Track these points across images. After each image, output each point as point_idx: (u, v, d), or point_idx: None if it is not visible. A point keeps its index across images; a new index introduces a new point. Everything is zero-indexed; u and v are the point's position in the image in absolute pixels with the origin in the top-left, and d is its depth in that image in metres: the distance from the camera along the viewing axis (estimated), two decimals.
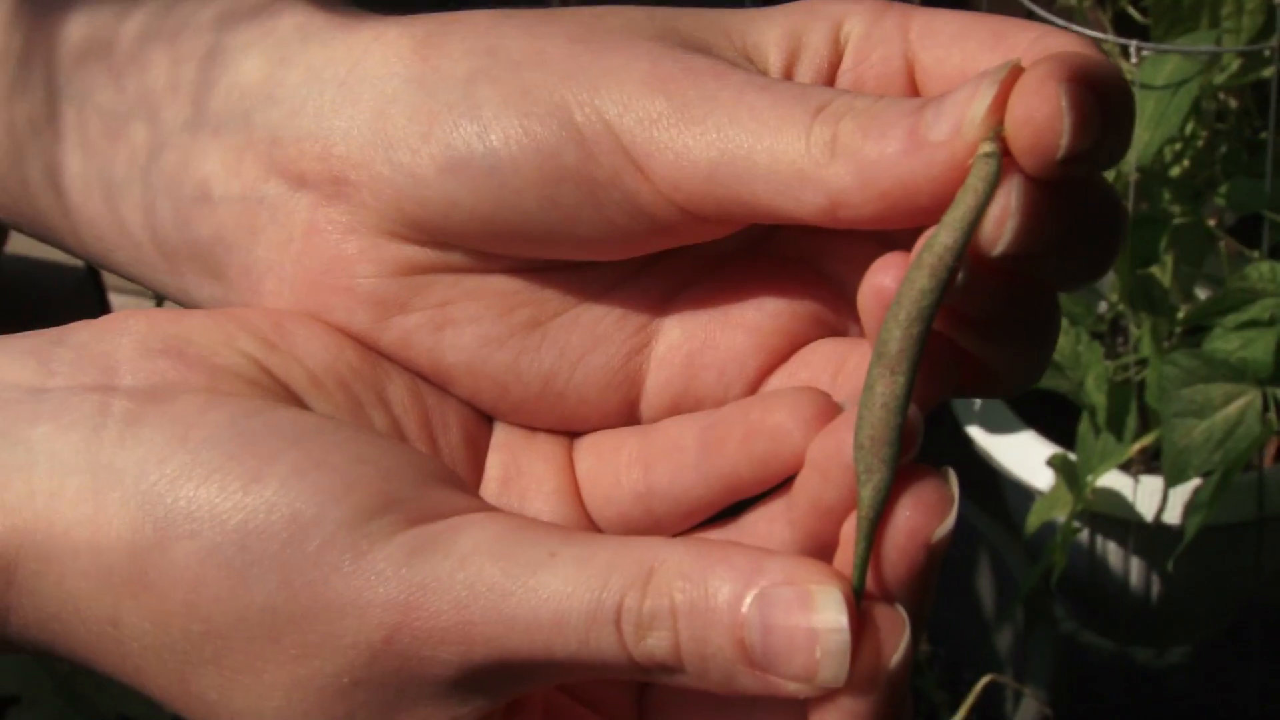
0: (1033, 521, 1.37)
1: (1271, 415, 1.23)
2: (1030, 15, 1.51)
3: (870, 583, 0.40)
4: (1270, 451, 1.39)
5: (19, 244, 1.68)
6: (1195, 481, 1.28)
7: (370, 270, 0.45)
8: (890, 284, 0.40)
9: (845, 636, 0.38)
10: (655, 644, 0.39)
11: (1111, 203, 0.41)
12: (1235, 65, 1.35)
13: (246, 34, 0.46)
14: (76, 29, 0.47)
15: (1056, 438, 1.43)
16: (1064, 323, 1.33)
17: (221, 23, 0.46)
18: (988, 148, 0.39)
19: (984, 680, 1.28)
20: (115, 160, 0.47)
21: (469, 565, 0.39)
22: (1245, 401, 1.23)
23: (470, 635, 0.38)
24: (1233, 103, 1.39)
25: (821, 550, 0.41)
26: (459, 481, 0.43)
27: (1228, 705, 1.67)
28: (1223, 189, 1.35)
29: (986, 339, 0.42)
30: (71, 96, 0.47)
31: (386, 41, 0.45)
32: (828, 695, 0.39)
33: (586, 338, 0.46)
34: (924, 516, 0.39)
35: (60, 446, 0.40)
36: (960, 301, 0.41)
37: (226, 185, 0.46)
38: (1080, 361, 1.32)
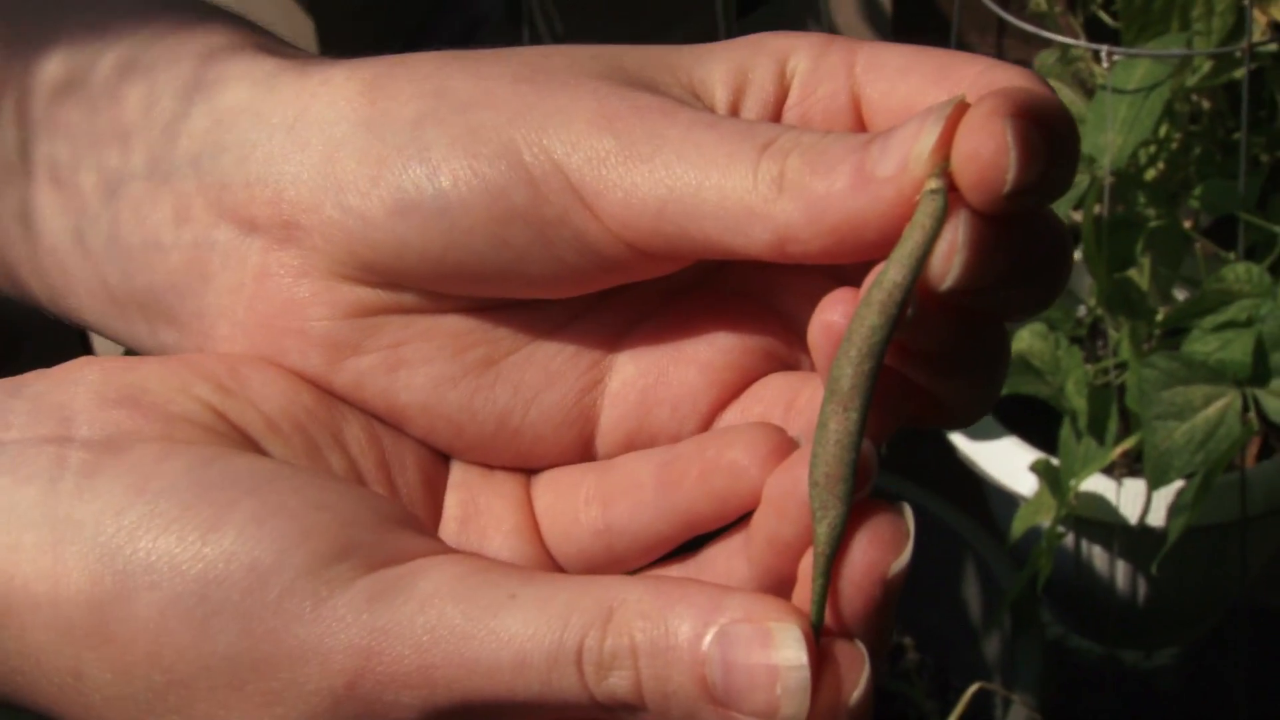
0: (1017, 527, 1.37)
1: (1252, 415, 1.23)
2: (1001, 22, 1.52)
3: (829, 618, 0.40)
4: (1251, 452, 1.40)
5: None
6: (1178, 483, 1.28)
7: (323, 313, 0.45)
8: (839, 320, 0.40)
9: (805, 673, 0.38)
10: (617, 683, 0.39)
11: (1057, 234, 0.41)
12: (1206, 67, 1.35)
13: (194, 83, 0.46)
14: (44, 69, 0.47)
15: (1039, 443, 1.43)
16: (1043, 328, 1.34)
17: (168, 72, 0.46)
18: (934, 184, 0.39)
19: (973, 688, 1.29)
20: (69, 208, 0.47)
21: (429, 609, 0.39)
22: (1225, 403, 1.23)
23: (433, 679, 0.39)
24: (1205, 104, 1.40)
25: (780, 585, 0.42)
26: (418, 524, 0.43)
27: (1217, 706, 1.67)
28: (1197, 191, 1.35)
29: (938, 373, 0.43)
30: (42, 154, 0.47)
31: (334, 85, 0.45)
32: None
33: (540, 375, 0.46)
34: (880, 552, 0.39)
35: (17, 500, 0.40)
36: (910, 337, 0.41)
37: (177, 232, 0.46)
38: (1060, 366, 1.33)
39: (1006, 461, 1.44)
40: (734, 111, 0.45)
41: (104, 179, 0.46)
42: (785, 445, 0.43)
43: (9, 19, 0.48)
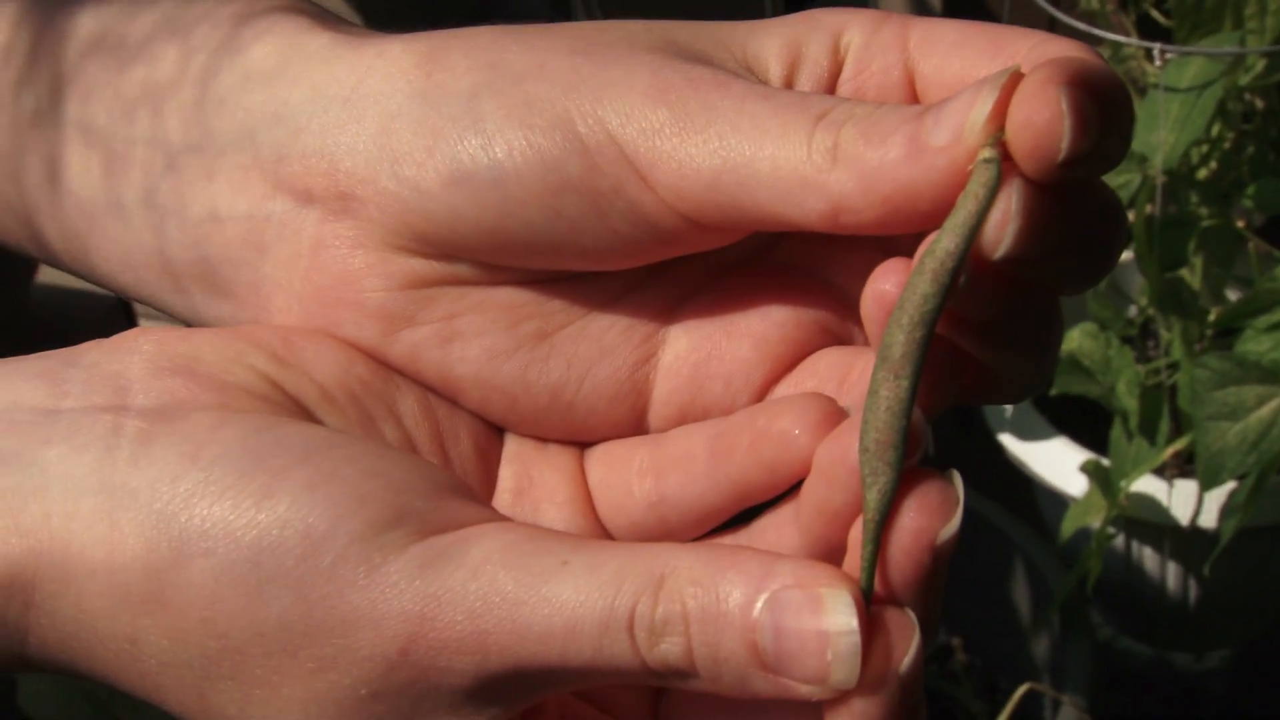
0: (1067, 528, 1.36)
1: None
2: (1052, 20, 1.51)
3: (878, 586, 0.40)
4: None
5: (48, 274, 1.69)
6: (1230, 484, 1.27)
7: (378, 284, 0.45)
8: (892, 289, 0.40)
9: (855, 639, 0.38)
10: (669, 649, 0.39)
11: (1111, 205, 0.41)
12: (1260, 66, 1.34)
13: (251, 52, 0.46)
14: (83, 29, 0.47)
15: (1089, 443, 1.43)
16: (1093, 328, 1.33)
17: (225, 42, 0.46)
18: (988, 153, 0.39)
19: (1022, 689, 1.28)
20: (123, 182, 0.47)
21: (482, 575, 0.39)
22: (1277, 404, 1.22)
23: (485, 645, 0.39)
24: (1259, 103, 1.39)
25: (830, 554, 0.42)
26: (471, 492, 0.43)
27: (1270, 709, 1.66)
28: (1250, 190, 1.34)
29: (990, 343, 0.42)
30: (75, 115, 0.48)
31: (390, 58, 0.45)
32: (841, 697, 0.39)
33: (593, 349, 0.46)
34: (928, 519, 0.39)
35: (74, 468, 0.40)
36: (963, 306, 0.41)
37: (233, 204, 0.46)
38: (1111, 366, 1.32)
39: (1056, 462, 1.44)
40: (788, 85, 0.44)
41: (158, 150, 0.46)
42: (835, 414, 0.43)
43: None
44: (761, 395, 0.46)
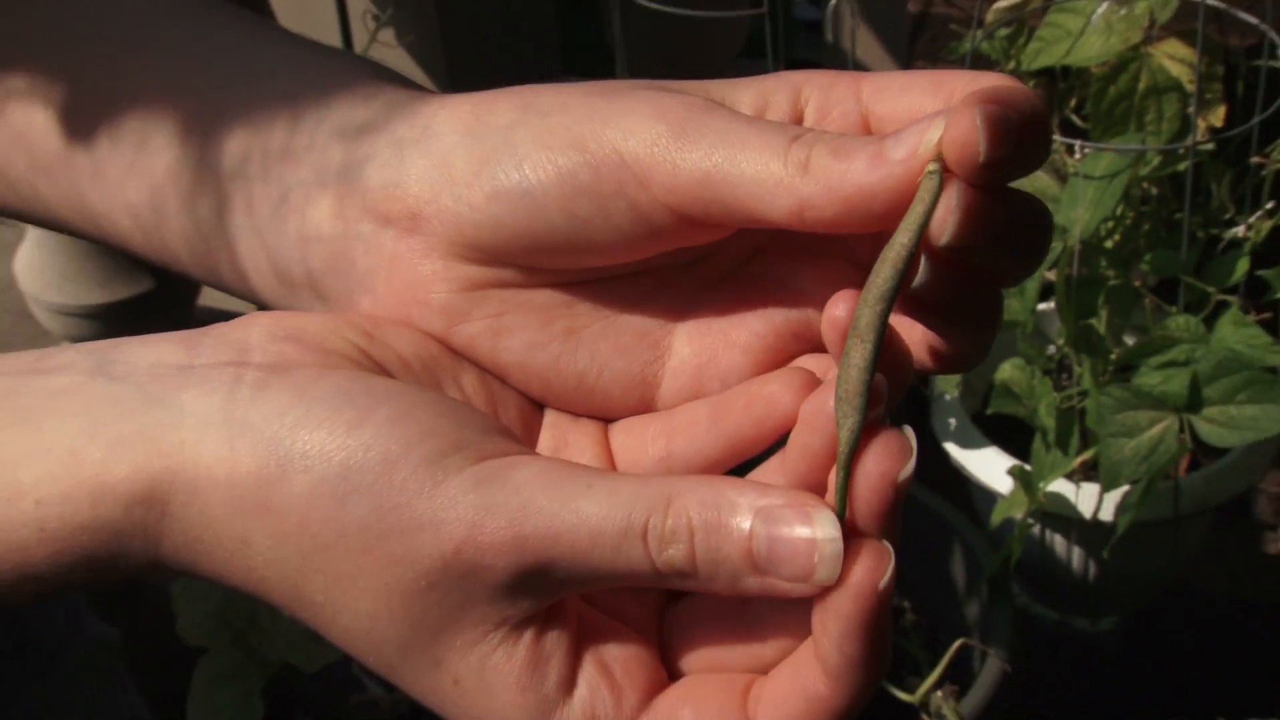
0: (995, 518, 1.35)
1: (1185, 436, 1.21)
2: None
3: (854, 519, 0.39)
4: (1183, 464, 1.38)
5: (210, 297, 1.67)
6: (1125, 488, 1.26)
7: (442, 288, 0.45)
8: (842, 314, 0.39)
9: (839, 545, 0.38)
10: (675, 554, 0.38)
11: (1036, 209, 0.40)
12: (1156, 161, 1.34)
13: (347, 111, 0.46)
14: (235, 140, 0.48)
15: (1015, 452, 1.42)
16: (1021, 362, 1.33)
17: (329, 105, 0.47)
18: (932, 167, 0.39)
19: (957, 643, 1.27)
20: (254, 214, 0.47)
21: (522, 492, 0.38)
22: (1165, 425, 1.21)
23: (522, 548, 0.38)
24: (1154, 190, 1.38)
25: (809, 491, 0.40)
26: (514, 435, 0.43)
27: (1147, 664, 1.65)
28: (1147, 258, 1.34)
29: (944, 321, 0.42)
30: (230, 168, 0.48)
31: (449, 108, 0.45)
32: (831, 604, 0.38)
33: (612, 348, 0.46)
34: (890, 461, 0.38)
35: (204, 406, 0.40)
36: (924, 291, 0.40)
37: (333, 226, 0.46)
38: (1034, 392, 1.31)
39: (989, 466, 1.43)
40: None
41: (279, 189, 0.46)
42: (813, 382, 0.43)
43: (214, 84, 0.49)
44: (761, 368, 0.46)
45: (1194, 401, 1.20)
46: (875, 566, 0.38)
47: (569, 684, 0.40)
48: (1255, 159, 1.33)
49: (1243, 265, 1.30)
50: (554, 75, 1.80)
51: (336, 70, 0.48)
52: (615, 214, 0.42)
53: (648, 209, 0.42)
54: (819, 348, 0.45)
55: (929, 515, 1.43)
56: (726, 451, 0.44)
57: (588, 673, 0.41)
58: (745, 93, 0.44)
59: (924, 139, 0.39)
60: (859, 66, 1.68)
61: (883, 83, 0.43)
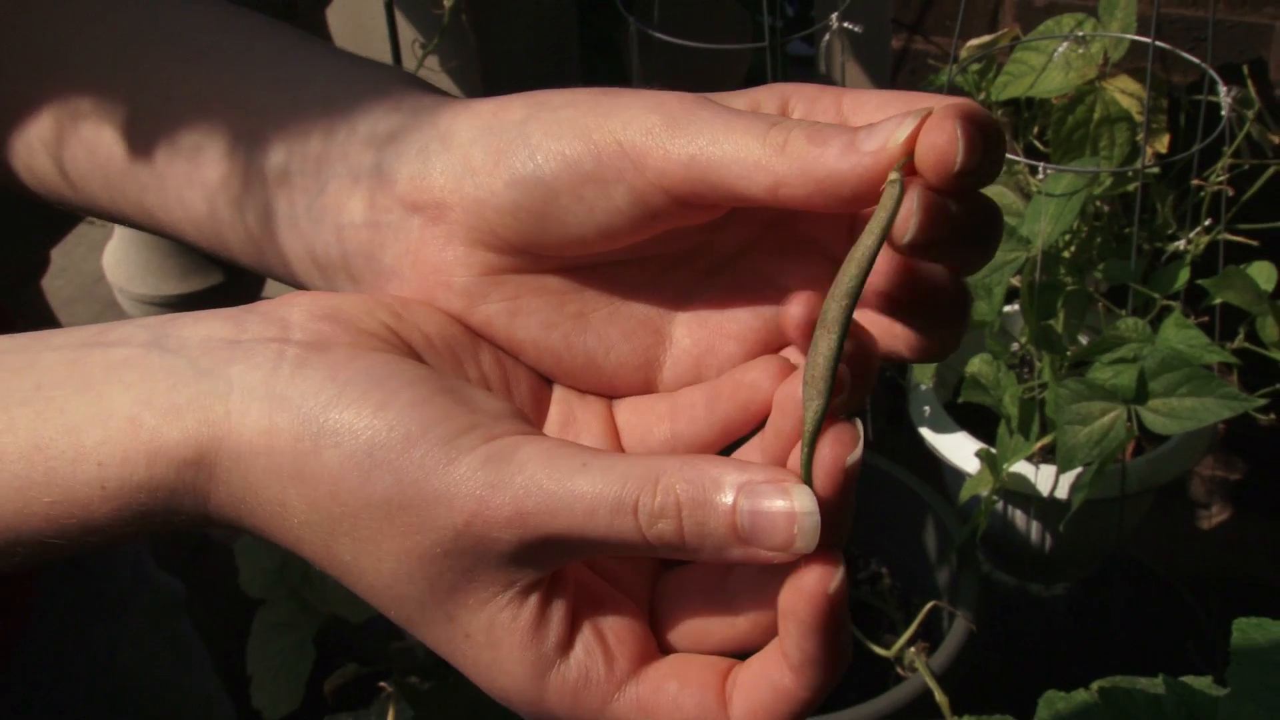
0: (964, 495, 1.36)
1: (1133, 424, 1.21)
2: None
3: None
4: (1130, 449, 1.37)
5: (273, 290, 1.68)
6: (1079, 469, 1.26)
7: (463, 272, 0.44)
8: (800, 311, 0.39)
9: (817, 517, 0.37)
10: (664, 528, 0.38)
11: (988, 208, 0.40)
12: (1109, 181, 1.34)
13: (380, 113, 0.46)
14: (279, 143, 0.47)
15: (982, 436, 1.42)
16: (989, 357, 1.33)
17: (366, 108, 0.46)
18: (894, 176, 0.38)
19: (928, 605, 1.27)
20: (293, 204, 0.47)
21: (525, 471, 0.38)
22: (1115, 415, 1.21)
23: (525, 522, 0.38)
24: (1106, 207, 1.38)
25: (779, 465, 0.40)
26: (524, 416, 0.42)
27: (1094, 623, 1.65)
28: (1100, 267, 1.34)
29: (913, 314, 0.42)
30: (277, 166, 0.48)
31: (472, 109, 0.45)
32: (789, 609, 0.38)
33: (618, 331, 0.45)
34: (841, 448, 0.38)
35: (249, 380, 0.40)
36: (893, 287, 0.40)
37: (365, 214, 0.45)
38: (1000, 384, 1.31)
39: (959, 449, 1.43)
40: None
41: (317, 184, 0.46)
42: (788, 369, 0.43)
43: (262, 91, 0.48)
44: (752, 351, 0.46)
45: (1141, 394, 1.20)
46: (826, 573, 0.38)
47: (566, 645, 0.40)
48: (1195, 181, 1.34)
49: (1184, 275, 1.30)
50: None
51: (369, 77, 0.48)
52: (616, 196, 0.42)
53: (644, 191, 0.42)
54: None
55: (905, 491, 1.43)
56: (720, 434, 0.44)
57: (584, 637, 0.40)
58: (737, 99, 0.44)
59: (894, 135, 0.38)
60: None
61: (862, 98, 0.43)
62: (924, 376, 1.40)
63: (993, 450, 1.33)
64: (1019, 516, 1.44)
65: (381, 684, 1.48)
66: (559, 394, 0.46)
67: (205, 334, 0.41)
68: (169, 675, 0.75)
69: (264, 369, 0.40)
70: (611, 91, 0.43)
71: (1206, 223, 1.34)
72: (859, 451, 0.38)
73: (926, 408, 1.46)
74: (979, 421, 1.43)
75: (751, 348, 0.45)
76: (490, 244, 0.44)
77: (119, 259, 1.52)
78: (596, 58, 2.23)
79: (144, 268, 1.50)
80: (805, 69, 2.10)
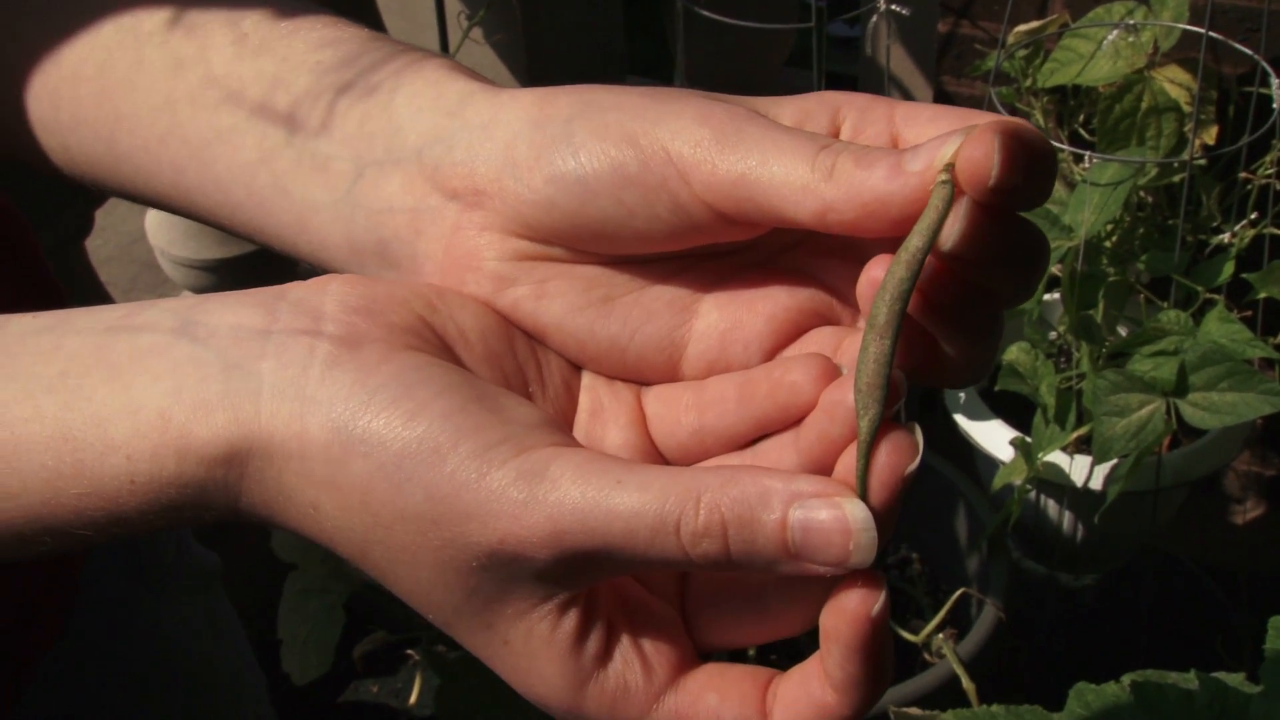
0: (997, 483, 1.35)
1: (1171, 417, 1.20)
2: None
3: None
4: (1166, 442, 1.36)
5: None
6: (1114, 461, 1.25)
7: (494, 256, 0.44)
8: (880, 273, 0.38)
9: (874, 532, 0.36)
10: (709, 548, 0.37)
11: (1035, 236, 0.39)
12: (1154, 172, 1.32)
13: (423, 99, 0.45)
14: (315, 137, 0.47)
15: (1017, 425, 1.41)
16: (1027, 346, 1.32)
17: (406, 93, 0.46)
18: (944, 177, 0.37)
19: (958, 592, 1.27)
20: (329, 188, 0.46)
21: (559, 488, 0.37)
22: (1153, 408, 1.20)
23: (561, 542, 0.37)
24: (1150, 198, 1.36)
25: (820, 471, 0.40)
26: (556, 424, 0.41)
27: (1123, 615, 1.64)
28: (1143, 258, 1.33)
29: (946, 327, 0.40)
30: (308, 148, 0.47)
31: (517, 99, 0.44)
32: (831, 630, 0.38)
33: (644, 313, 0.44)
34: (900, 457, 0.37)
35: (279, 379, 0.39)
36: (930, 291, 0.39)
37: (403, 200, 0.45)
38: (1037, 373, 1.30)
39: (993, 437, 1.42)
40: None
41: (355, 166, 0.45)
42: (832, 371, 0.41)
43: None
44: (770, 357, 0.44)
45: (1180, 387, 1.19)
46: (869, 595, 0.37)
47: (605, 657, 0.39)
48: (1243, 174, 1.32)
49: (1228, 268, 1.29)
50: (620, 77, 1.79)
51: (415, 63, 0.47)
52: (658, 205, 0.41)
53: (688, 203, 0.41)
54: (832, 323, 0.45)
55: (938, 478, 1.43)
56: (754, 430, 0.43)
57: (623, 647, 0.40)
58: (787, 108, 0.43)
59: (939, 154, 0.37)
60: (893, 79, 1.67)
61: (915, 111, 0.42)
62: None
63: (1028, 439, 1.32)
64: (1051, 506, 1.43)
65: (409, 651, 1.49)
66: (588, 381, 0.45)
67: (234, 322, 0.40)
68: (205, 647, 0.76)
69: (295, 367, 0.39)
70: (660, 95, 0.42)
71: (1253, 216, 1.32)
72: (917, 462, 0.38)
73: (962, 394, 1.45)
74: (1015, 410, 1.41)
75: (780, 328, 0.44)
76: (523, 234, 0.43)
77: (162, 221, 1.52)
78: (641, 34, 2.22)
79: (185, 231, 1.50)
80: (850, 50, 2.09)
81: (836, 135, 0.42)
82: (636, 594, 0.41)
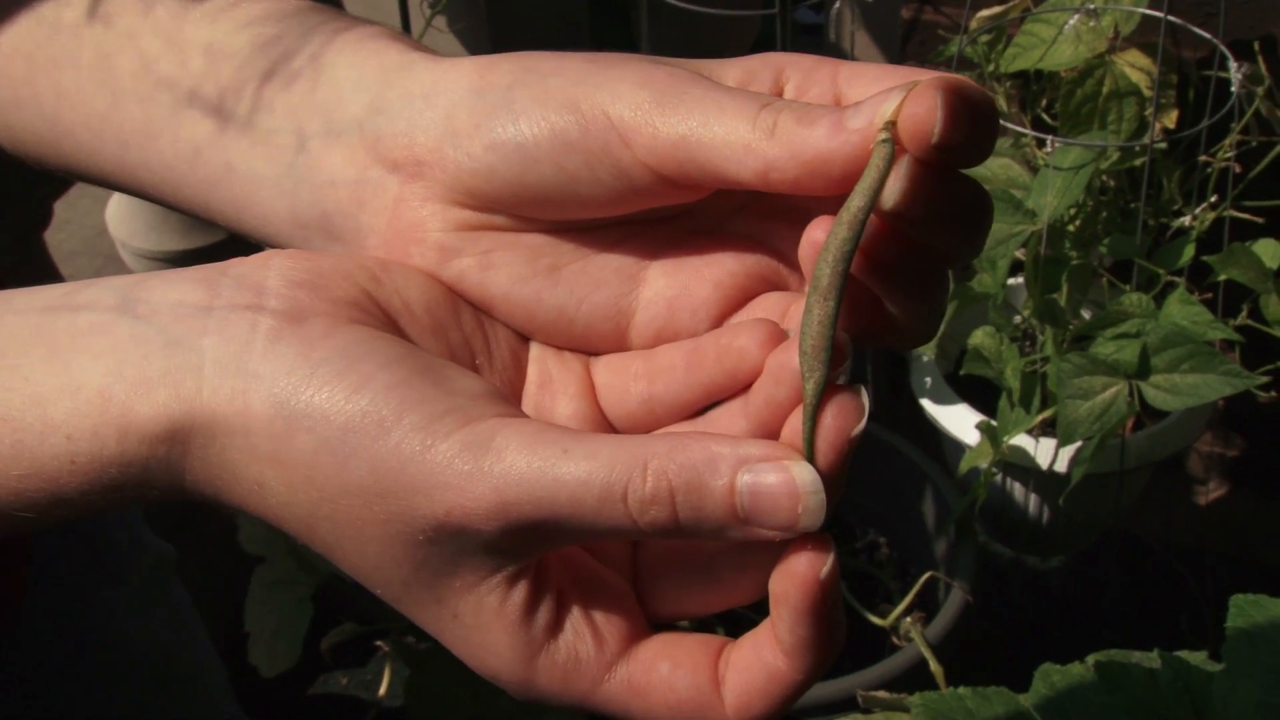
0: (963, 466, 1.35)
1: (1134, 399, 1.20)
2: None
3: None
4: (1129, 424, 1.37)
5: None
6: (1079, 443, 1.26)
7: (438, 226, 0.44)
8: (821, 235, 0.38)
9: (822, 494, 0.36)
10: (657, 514, 0.36)
11: (978, 193, 0.39)
12: (1116, 156, 1.33)
13: (363, 69, 0.45)
14: (257, 109, 0.46)
15: (983, 409, 1.41)
16: (992, 330, 1.32)
17: (347, 66, 0.46)
18: (883, 135, 0.37)
19: (925, 576, 1.27)
20: (271, 162, 0.46)
21: (504, 458, 0.37)
22: (1116, 390, 1.21)
23: (508, 513, 0.37)
24: (1112, 182, 1.37)
25: (769, 435, 0.39)
26: (502, 395, 0.41)
27: (1090, 597, 1.65)
28: (1105, 241, 1.33)
29: (893, 288, 0.40)
30: (245, 120, 0.47)
31: (458, 67, 0.44)
32: (781, 594, 0.38)
33: (590, 282, 0.44)
34: (847, 418, 0.37)
35: (221, 355, 0.38)
36: (874, 251, 0.39)
37: (345, 172, 0.44)
38: (1002, 357, 1.31)
39: (959, 421, 1.43)
40: None
41: (297, 139, 0.45)
42: (779, 335, 0.41)
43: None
44: (719, 323, 0.44)
45: (1143, 369, 1.20)
46: (817, 557, 0.37)
47: (555, 628, 0.39)
48: (1203, 158, 1.33)
49: (1189, 251, 1.29)
50: None
51: (355, 32, 0.47)
52: (600, 170, 0.41)
53: (629, 167, 0.41)
54: (779, 288, 0.44)
55: (904, 462, 1.43)
56: (703, 397, 0.43)
57: (573, 617, 0.40)
58: (731, 69, 0.43)
59: (880, 110, 0.37)
60: None
61: (859, 70, 0.41)
62: (926, 348, 1.40)
63: (993, 423, 1.32)
64: (1017, 489, 1.44)
65: (378, 643, 1.48)
66: (536, 352, 0.45)
67: (177, 298, 0.40)
68: (163, 638, 0.75)
69: (237, 342, 0.38)
70: (601, 60, 0.42)
71: (1213, 199, 1.33)
72: (863, 423, 0.37)
73: (928, 379, 1.45)
74: (980, 394, 1.42)
75: (728, 294, 0.44)
76: (466, 203, 0.43)
77: (122, 214, 1.51)
78: (606, 22, 2.21)
79: (147, 223, 1.49)
80: (814, 37, 2.09)
81: (780, 95, 0.42)
82: (587, 565, 0.41)
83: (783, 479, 0.36)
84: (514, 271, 0.44)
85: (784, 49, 1.36)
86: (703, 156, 0.39)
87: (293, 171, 0.45)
